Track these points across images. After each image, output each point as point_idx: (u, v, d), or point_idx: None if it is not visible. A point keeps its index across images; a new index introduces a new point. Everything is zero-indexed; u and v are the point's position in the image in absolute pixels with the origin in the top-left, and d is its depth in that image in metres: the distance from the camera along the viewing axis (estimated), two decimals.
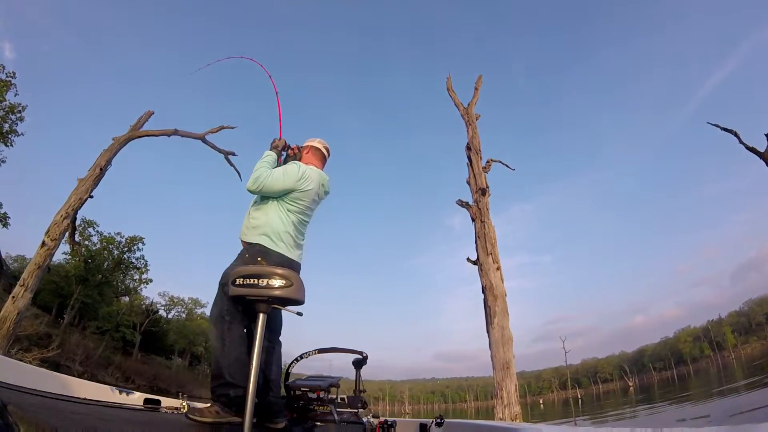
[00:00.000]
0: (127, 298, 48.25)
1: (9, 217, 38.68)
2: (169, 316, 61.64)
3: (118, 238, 45.36)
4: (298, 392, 3.33)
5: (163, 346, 59.80)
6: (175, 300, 61.16)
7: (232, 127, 12.24)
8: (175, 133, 11.32)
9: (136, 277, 48.01)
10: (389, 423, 3.77)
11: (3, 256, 45.36)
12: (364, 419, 3.53)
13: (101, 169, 9.77)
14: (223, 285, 2.62)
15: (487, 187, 9.07)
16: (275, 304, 2.02)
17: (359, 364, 3.92)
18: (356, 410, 3.57)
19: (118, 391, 3.98)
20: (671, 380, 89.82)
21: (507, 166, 11.68)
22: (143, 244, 47.47)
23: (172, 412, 4.15)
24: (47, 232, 8.96)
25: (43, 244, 8.70)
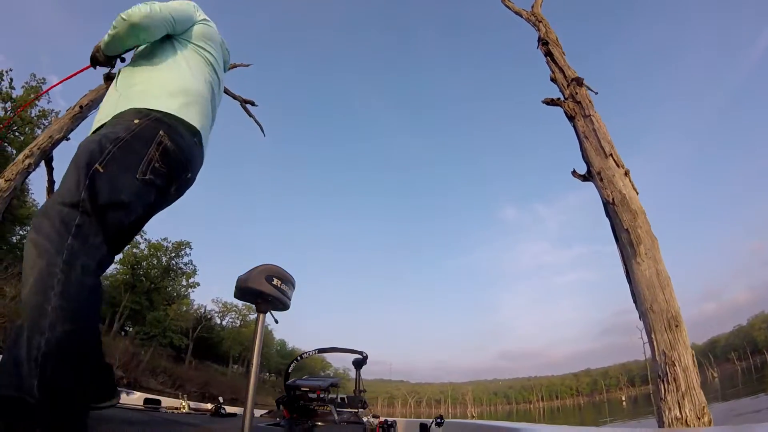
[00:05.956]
0: (177, 305, 48.15)
1: None
2: (224, 323, 61.41)
3: (165, 244, 45.48)
4: (298, 392, 3.25)
5: (219, 353, 59.67)
6: (229, 306, 60.73)
7: (247, 65, 10.43)
8: None
9: (184, 282, 48.01)
10: (389, 423, 3.82)
11: None
12: (364, 419, 3.54)
13: (81, 107, 7.87)
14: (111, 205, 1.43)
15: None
16: (276, 309, 1.86)
17: (359, 364, 3.97)
18: (356, 410, 3.58)
19: None
20: (750, 370, 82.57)
21: (589, 88, 9.01)
22: (190, 248, 47.48)
23: (172, 412, 4.45)
24: (2, 172, 7.23)
25: None
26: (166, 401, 5.55)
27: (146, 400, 4.99)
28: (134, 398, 4.80)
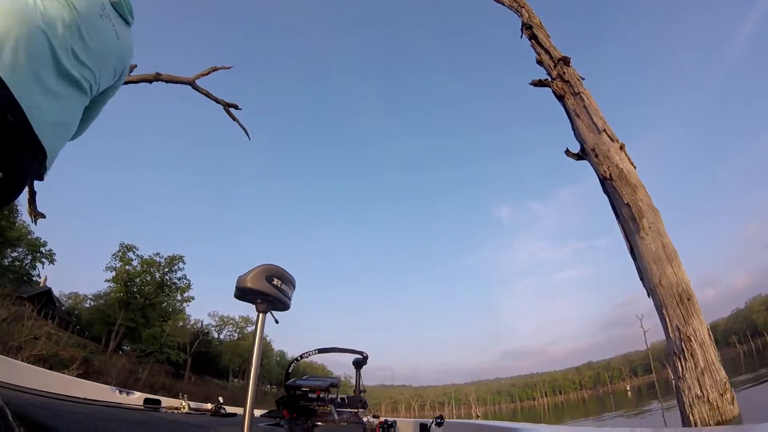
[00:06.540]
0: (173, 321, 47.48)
1: (54, 254, 39.08)
2: (221, 336, 60.70)
3: (157, 259, 44.87)
4: (298, 392, 3.29)
5: (218, 367, 58.90)
6: (225, 319, 60.13)
7: (227, 68, 10.13)
8: (158, 78, 9.18)
9: (179, 297, 47.38)
10: (389, 423, 3.82)
11: (57, 294, 46.04)
12: (364, 419, 3.55)
13: None
14: None
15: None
16: (276, 309, 1.85)
17: (359, 364, 4.00)
18: (356, 410, 3.58)
19: (118, 391, 3.89)
20: (752, 352, 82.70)
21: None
22: (183, 262, 46.91)
23: (172, 412, 4.45)
24: None
25: None
26: (166, 401, 5.45)
27: (146, 400, 4.87)
28: (134, 398, 4.74)
